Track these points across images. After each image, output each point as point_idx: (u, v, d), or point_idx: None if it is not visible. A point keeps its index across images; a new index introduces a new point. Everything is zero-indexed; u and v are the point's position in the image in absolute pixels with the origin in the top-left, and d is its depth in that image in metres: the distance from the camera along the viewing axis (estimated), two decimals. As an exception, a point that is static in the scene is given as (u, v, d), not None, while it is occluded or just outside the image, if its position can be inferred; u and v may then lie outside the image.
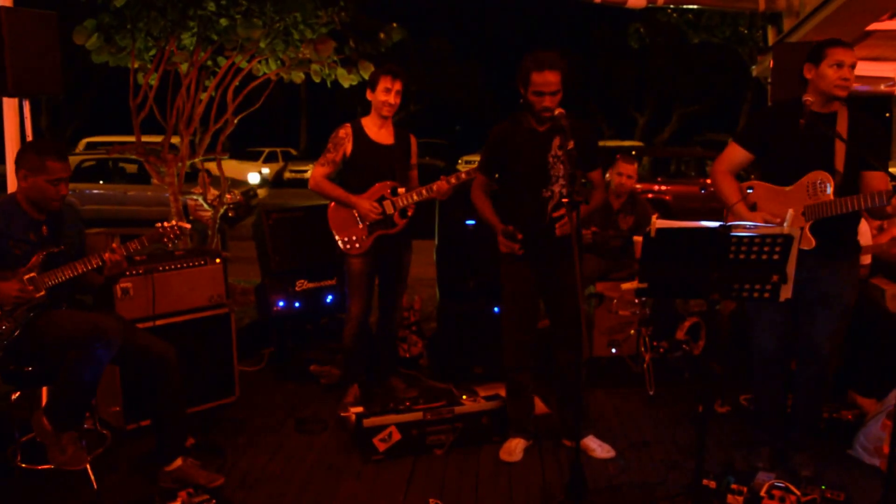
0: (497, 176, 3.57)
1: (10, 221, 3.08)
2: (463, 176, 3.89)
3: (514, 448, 3.56)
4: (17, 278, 3.01)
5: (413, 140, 4.16)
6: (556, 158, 3.34)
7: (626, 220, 4.91)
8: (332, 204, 4.00)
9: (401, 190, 3.98)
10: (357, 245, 3.96)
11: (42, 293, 3.05)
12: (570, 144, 3.04)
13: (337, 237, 3.99)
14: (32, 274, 3.04)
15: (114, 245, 3.13)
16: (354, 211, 3.93)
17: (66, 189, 3.14)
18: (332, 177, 4.00)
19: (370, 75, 4.04)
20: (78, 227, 3.34)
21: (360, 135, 3.97)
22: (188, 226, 3.35)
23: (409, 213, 4.03)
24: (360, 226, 3.95)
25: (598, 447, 3.58)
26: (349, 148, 3.95)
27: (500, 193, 3.54)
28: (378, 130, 4.00)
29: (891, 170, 3.09)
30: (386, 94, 3.91)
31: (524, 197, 3.41)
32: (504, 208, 3.49)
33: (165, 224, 3.29)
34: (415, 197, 3.95)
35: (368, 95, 3.98)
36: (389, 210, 3.95)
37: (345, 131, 3.98)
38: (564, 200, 2.98)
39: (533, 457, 3.56)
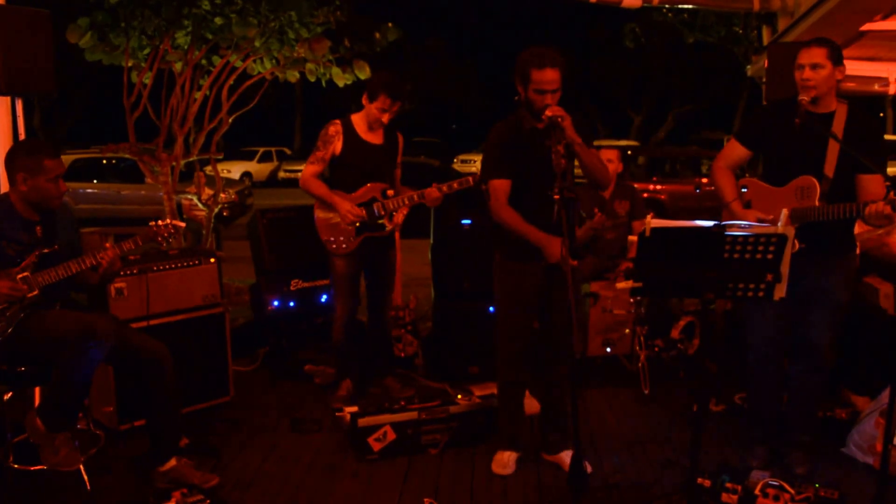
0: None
1: (2, 222, 3.07)
2: (455, 185, 3.86)
3: (508, 461, 3.44)
4: (8, 277, 3.00)
5: (400, 139, 4.14)
6: (558, 154, 3.20)
7: (623, 205, 4.89)
8: (318, 203, 3.98)
9: (390, 192, 3.97)
10: (344, 245, 3.94)
11: (36, 292, 3.04)
12: (562, 149, 2.95)
13: (323, 237, 3.96)
14: (26, 273, 3.03)
15: (107, 245, 3.12)
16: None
17: (65, 185, 3.14)
18: (322, 175, 3.97)
19: (371, 82, 3.95)
20: (72, 226, 3.33)
21: (350, 133, 3.95)
22: (182, 224, 3.34)
23: (396, 217, 4.01)
24: (349, 226, 3.93)
25: None
26: (339, 146, 3.93)
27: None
28: (368, 129, 3.98)
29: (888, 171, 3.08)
30: (380, 112, 3.87)
31: (532, 197, 3.24)
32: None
33: (159, 223, 3.27)
34: (405, 202, 3.93)
35: (364, 100, 3.92)
36: (380, 212, 3.94)
37: (335, 128, 3.94)
38: (556, 197, 2.90)
39: (528, 456, 3.54)
